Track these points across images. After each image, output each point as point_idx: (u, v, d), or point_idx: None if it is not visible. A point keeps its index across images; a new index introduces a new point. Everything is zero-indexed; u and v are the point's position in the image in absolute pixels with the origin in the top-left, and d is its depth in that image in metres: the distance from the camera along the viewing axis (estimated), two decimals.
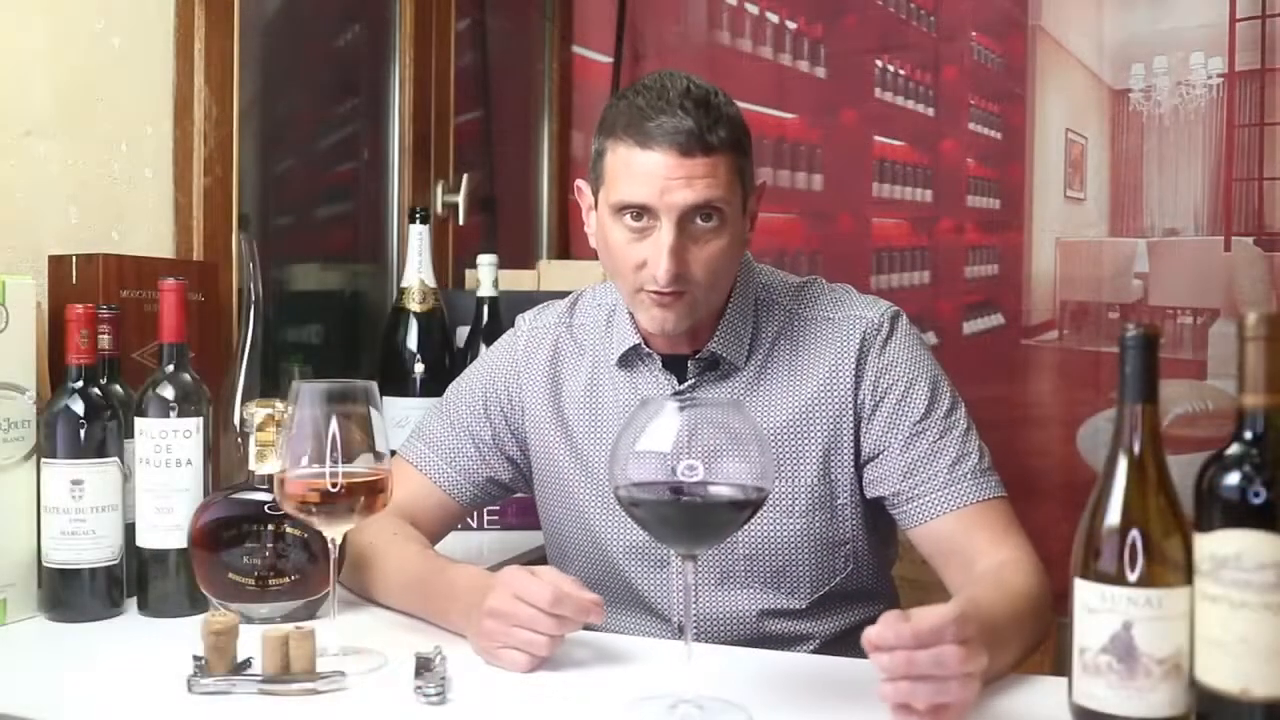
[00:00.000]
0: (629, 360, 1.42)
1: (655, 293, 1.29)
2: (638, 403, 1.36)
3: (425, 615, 1.30)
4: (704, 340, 1.38)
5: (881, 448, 1.36)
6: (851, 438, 1.37)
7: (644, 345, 1.40)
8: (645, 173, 1.26)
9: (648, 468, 0.98)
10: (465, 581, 1.23)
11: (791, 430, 1.37)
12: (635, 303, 1.34)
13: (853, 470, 1.38)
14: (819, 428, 1.37)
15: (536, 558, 1.73)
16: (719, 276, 1.32)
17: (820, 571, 1.39)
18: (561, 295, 1.66)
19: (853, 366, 1.37)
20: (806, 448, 1.37)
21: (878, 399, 1.36)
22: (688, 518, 1.01)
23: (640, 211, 1.28)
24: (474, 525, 1.91)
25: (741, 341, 1.39)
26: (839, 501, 1.38)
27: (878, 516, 1.41)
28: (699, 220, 1.27)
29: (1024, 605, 1.19)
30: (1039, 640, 1.22)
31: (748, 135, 1.33)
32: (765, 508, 1.36)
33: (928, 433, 1.34)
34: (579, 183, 1.42)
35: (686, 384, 1.39)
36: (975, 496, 1.31)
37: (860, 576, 1.42)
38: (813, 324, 1.41)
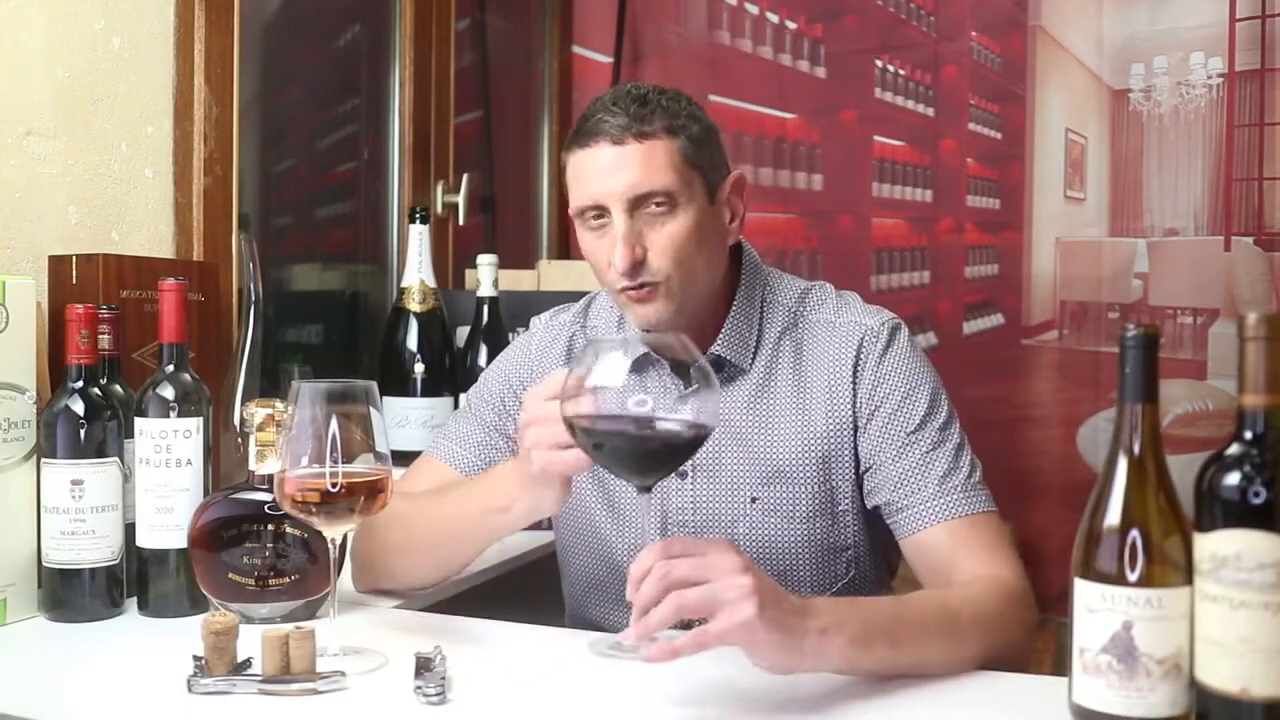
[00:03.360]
0: (639, 364, 1.43)
1: (630, 289, 1.31)
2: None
3: (471, 517, 1.32)
4: (709, 343, 1.38)
5: (876, 457, 1.36)
6: (850, 445, 1.37)
7: (653, 351, 1.41)
8: (587, 171, 1.31)
9: (599, 402, 1.04)
10: (502, 465, 1.29)
11: (795, 436, 1.37)
12: (621, 304, 1.36)
13: (853, 477, 1.38)
14: (820, 434, 1.37)
15: (539, 558, 1.73)
16: (686, 261, 1.31)
17: (822, 576, 1.39)
18: (562, 295, 1.66)
19: (850, 373, 1.37)
20: (808, 453, 1.37)
21: (874, 408, 1.36)
22: (636, 448, 1.06)
23: (596, 212, 1.31)
24: None
25: (746, 344, 1.40)
26: (840, 508, 1.38)
27: (878, 525, 1.40)
28: (652, 206, 1.30)
29: (966, 614, 1.17)
30: (979, 654, 1.16)
31: (700, 125, 1.34)
32: (766, 514, 1.37)
33: (920, 444, 1.34)
34: None
35: (692, 389, 1.39)
36: (964, 510, 1.30)
37: (862, 583, 1.41)
38: (816, 328, 1.41)
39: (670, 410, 1.06)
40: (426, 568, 1.39)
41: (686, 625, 1.04)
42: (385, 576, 1.41)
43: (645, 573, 1.02)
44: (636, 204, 1.29)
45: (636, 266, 1.29)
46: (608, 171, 1.29)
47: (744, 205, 1.41)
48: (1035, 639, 1.30)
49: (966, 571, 1.26)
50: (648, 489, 1.10)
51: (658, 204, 1.29)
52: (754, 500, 1.38)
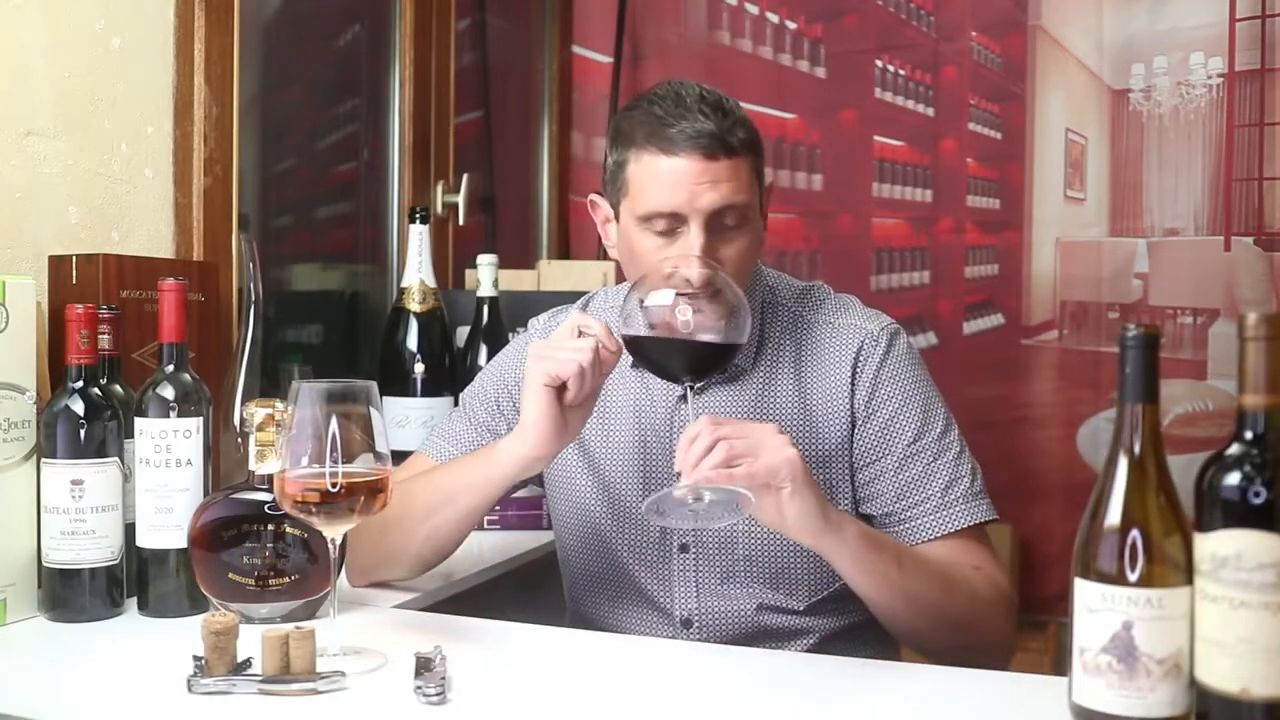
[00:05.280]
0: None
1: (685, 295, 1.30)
2: (647, 401, 1.41)
3: (464, 472, 1.35)
4: None
5: (872, 466, 1.37)
6: (848, 445, 1.38)
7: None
8: (672, 180, 1.29)
9: (653, 316, 1.18)
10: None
11: (796, 434, 1.37)
12: None
13: (849, 477, 1.39)
14: (820, 434, 1.38)
15: (538, 558, 1.73)
16: (743, 275, 1.34)
17: (818, 576, 1.39)
18: (561, 295, 1.66)
19: (849, 374, 1.38)
20: (809, 452, 1.37)
21: (870, 412, 1.38)
22: (685, 348, 1.19)
23: (668, 221, 1.30)
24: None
25: (749, 344, 1.40)
26: (839, 507, 1.38)
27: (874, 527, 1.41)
28: (726, 219, 1.30)
29: (961, 584, 1.28)
30: (965, 623, 1.28)
31: (759, 136, 1.36)
32: None
33: (921, 456, 1.36)
34: (593, 197, 1.44)
35: (697, 386, 1.40)
36: (965, 521, 1.34)
37: None
38: (816, 328, 1.42)
39: (708, 326, 1.19)
40: (421, 536, 1.38)
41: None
42: (380, 561, 1.41)
43: (695, 435, 1.11)
44: (715, 217, 1.30)
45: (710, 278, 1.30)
46: (694, 184, 1.28)
47: (769, 209, 1.43)
48: (1013, 645, 1.37)
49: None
50: (691, 388, 1.22)
51: (731, 220, 1.30)
52: None
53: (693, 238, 1.29)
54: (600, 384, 1.26)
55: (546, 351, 1.25)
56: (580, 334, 1.25)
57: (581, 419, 1.28)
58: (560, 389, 1.23)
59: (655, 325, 1.18)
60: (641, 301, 1.19)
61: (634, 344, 1.21)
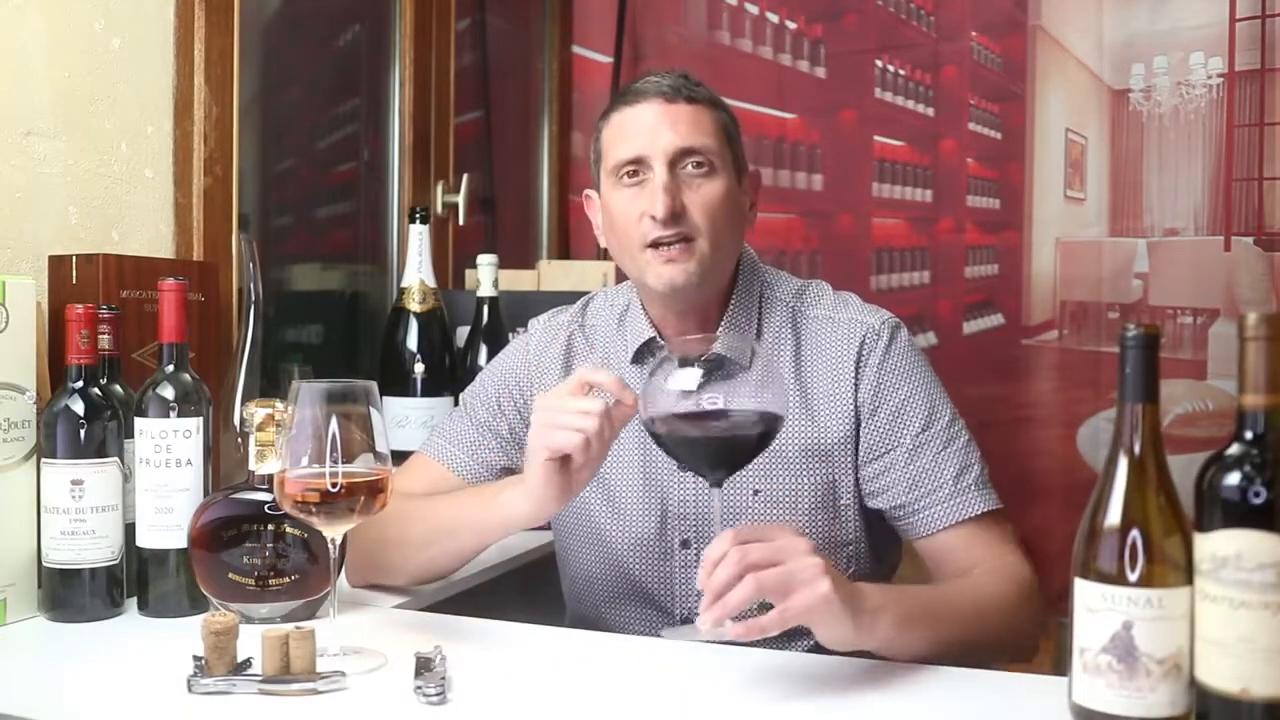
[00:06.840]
0: (643, 355, 1.44)
1: (660, 245, 1.32)
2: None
3: (466, 511, 1.33)
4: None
5: (880, 456, 1.37)
6: (853, 440, 1.38)
7: (658, 339, 1.41)
8: (635, 125, 1.34)
9: (675, 401, 1.08)
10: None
11: (797, 429, 1.38)
12: (644, 266, 1.35)
13: (854, 472, 1.39)
14: (822, 427, 1.38)
15: (538, 558, 1.73)
16: (718, 227, 1.34)
17: None
18: (561, 295, 1.66)
19: (852, 369, 1.38)
20: (811, 447, 1.38)
21: (875, 406, 1.37)
22: (712, 443, 1.11)
23: (635, 167, 1.34)
24: None
25: (747, 340, 1.40)
26: (841, 502, 1.39)
27: (876, 522, 1.41)
28: (690, 167, 1.33)
29: (991, 603, 1.25)
30: (999, 640, 1.26)
31: (731, 114, 1.40)
32: (768, 506, 1.38)
33: (931, 444, 1.36)
34: (587, 192, 1.46)
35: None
36: (980, 507, 1.34)
37: (861, 580, 1.41)
38: (815, 323, 1.42)
39: (741, 403, 1.10)
40: (419, 562, 1.39)
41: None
42: (378, 570, 1.42)
43: (719, 558, 1.04)
44: (678, 159, 1.33)
45: (676, 216, 1.31)
46: (655, 126, 1.33)
47: (757, 201, 1.45)
48: (1042, 628, 1.35)
49: (985, 566, 1.30)
50: (718, 483, 1.13)
51: (697, 164, 1.33)
52: (756, 493, 1.38)
53: (657, 176, 1.31)
54: (611, 441, 1.20)
55: (550, 417, 1.18)
56: (590, 387, 1.18)
57: (590, 474, 1.23)
58: (565, 457, 1.19)
59: (680, 413, 1.08)
60: (664, 383, 1.09)
61: (659, 439, 1.11)
